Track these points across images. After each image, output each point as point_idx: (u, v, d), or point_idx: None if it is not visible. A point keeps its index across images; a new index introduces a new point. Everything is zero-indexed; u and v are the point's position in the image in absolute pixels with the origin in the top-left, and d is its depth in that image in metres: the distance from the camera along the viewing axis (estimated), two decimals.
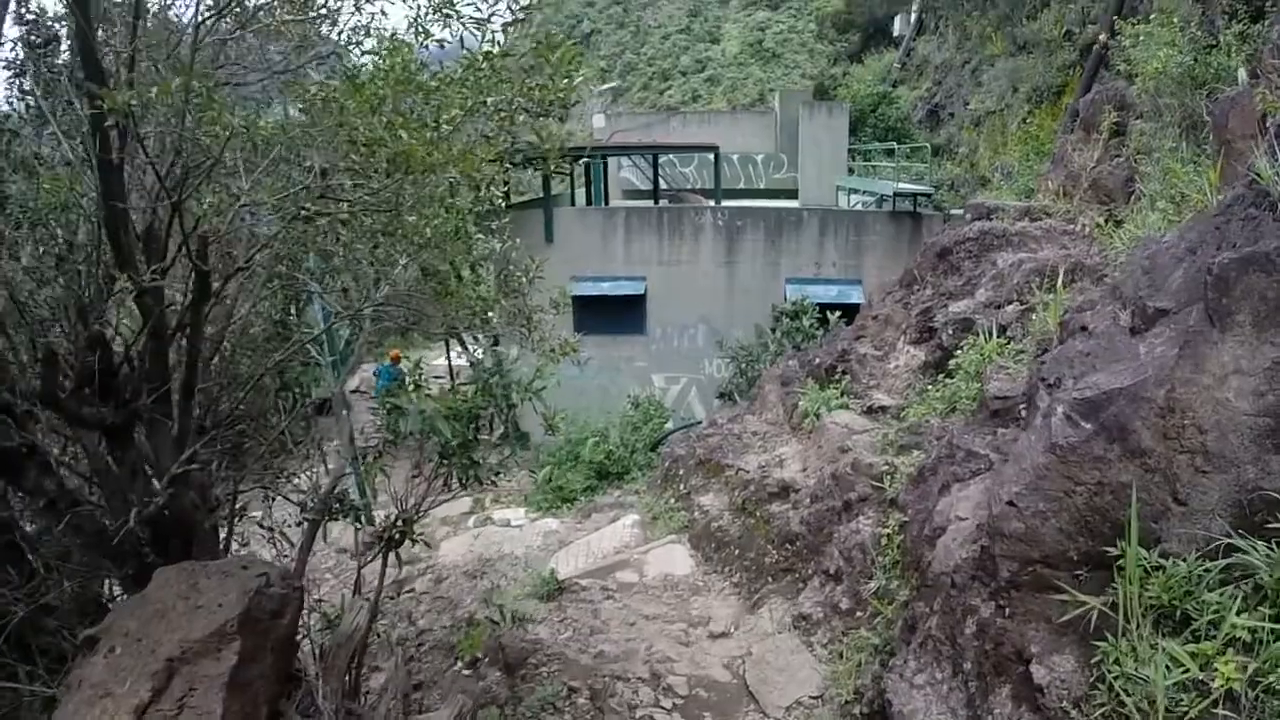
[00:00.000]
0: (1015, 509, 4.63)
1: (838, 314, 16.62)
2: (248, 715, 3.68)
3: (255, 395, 6.55)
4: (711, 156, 27.19)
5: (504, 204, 8.72)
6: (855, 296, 18.52)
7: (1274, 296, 4.08)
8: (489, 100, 4.99)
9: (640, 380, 19.22)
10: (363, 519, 6.27)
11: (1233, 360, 4.16)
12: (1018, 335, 8.87)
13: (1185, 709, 3.63)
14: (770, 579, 8.85)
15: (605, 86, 46.64)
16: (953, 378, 9.18)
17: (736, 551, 9.92)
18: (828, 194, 27.40)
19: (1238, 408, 4.12)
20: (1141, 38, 11.24)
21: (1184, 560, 4.09)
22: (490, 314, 6.71)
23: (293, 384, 7.05)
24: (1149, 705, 3.74)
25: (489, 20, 5.21)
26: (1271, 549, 3.82)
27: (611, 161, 30.09)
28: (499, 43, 5.34)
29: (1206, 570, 3.97)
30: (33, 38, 5.63)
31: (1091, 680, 4.19)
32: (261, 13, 5.02)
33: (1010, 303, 9.86)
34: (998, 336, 8.69)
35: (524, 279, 7.25)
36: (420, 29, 5.00)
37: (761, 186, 31.15)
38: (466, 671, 9.75)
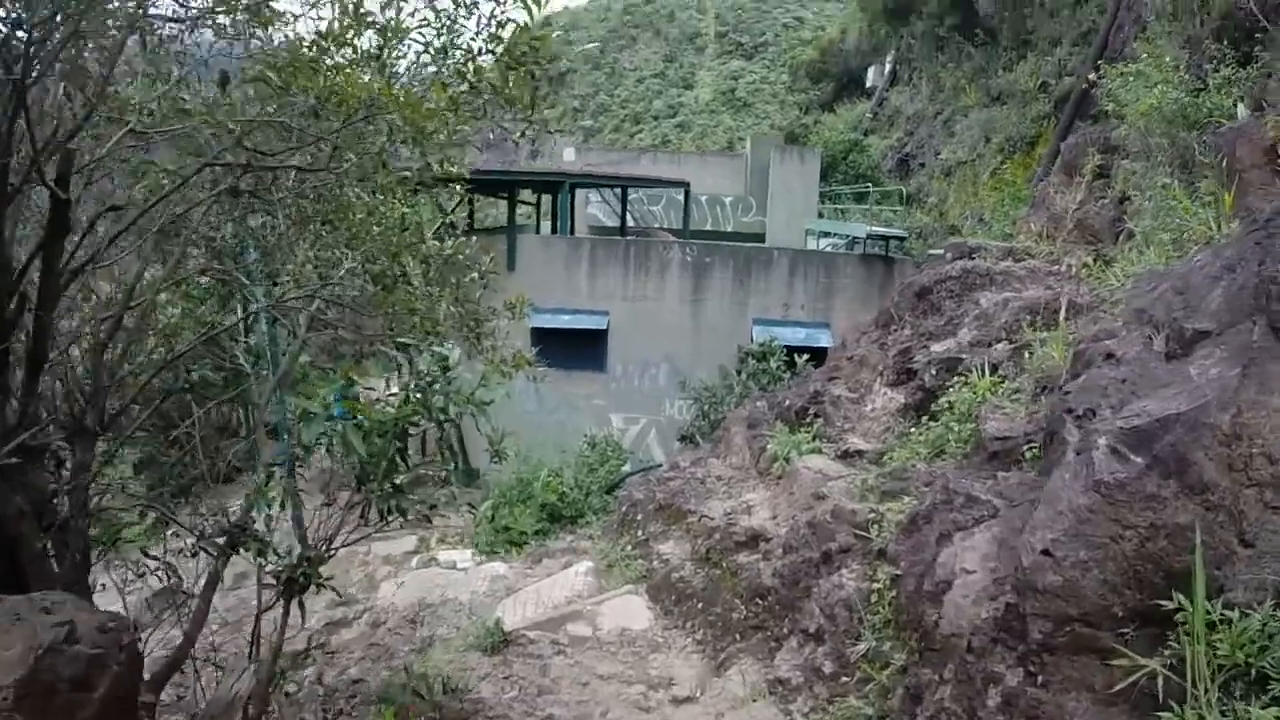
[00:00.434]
0: (1051, 559, 3.88)
1: (805, 357, 16.01)
2: None
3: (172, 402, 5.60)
4: (680, 196, 26.72)
5: (469, 221, 8.02)
6: (824, 340, 17.93)
7: None
8: (450, 42, 4.20)
9: (598, 419, 18.33)
10: (267, 555, 5.30)
11: None
12: (1010, 374, 8.26)
13: None
14: (739, 636, 8.00)
15: (576, 126, 46.67)
16: (937, 420, 8.55)
17: (700, 605, 9.05)
18: (797, 239, 26.96)
19: None
20: (1131, 78, 10.94)
21: (1254, 611, 3.42)
22: (438, 319, 5.85)
23: (203, 389, 6.08)
24: None
25: None
26: None
27: (579, 197, 29.49)
28: None
29: None
30: None
31: None
32: None
33: (999, 341, 9.28)
34: (990, 375, 8.04)
35: (475, 277, 6.41)
36: None
37: (729, 229, 30.72)
38: None
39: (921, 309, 11.63)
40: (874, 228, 20.67)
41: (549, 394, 18.51)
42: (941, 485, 6.23)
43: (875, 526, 6.84)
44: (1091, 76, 13.84)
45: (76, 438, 4.60)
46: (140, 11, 4.08)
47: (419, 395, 4.62)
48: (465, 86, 4.43)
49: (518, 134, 5.30)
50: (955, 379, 8.66)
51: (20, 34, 3.73)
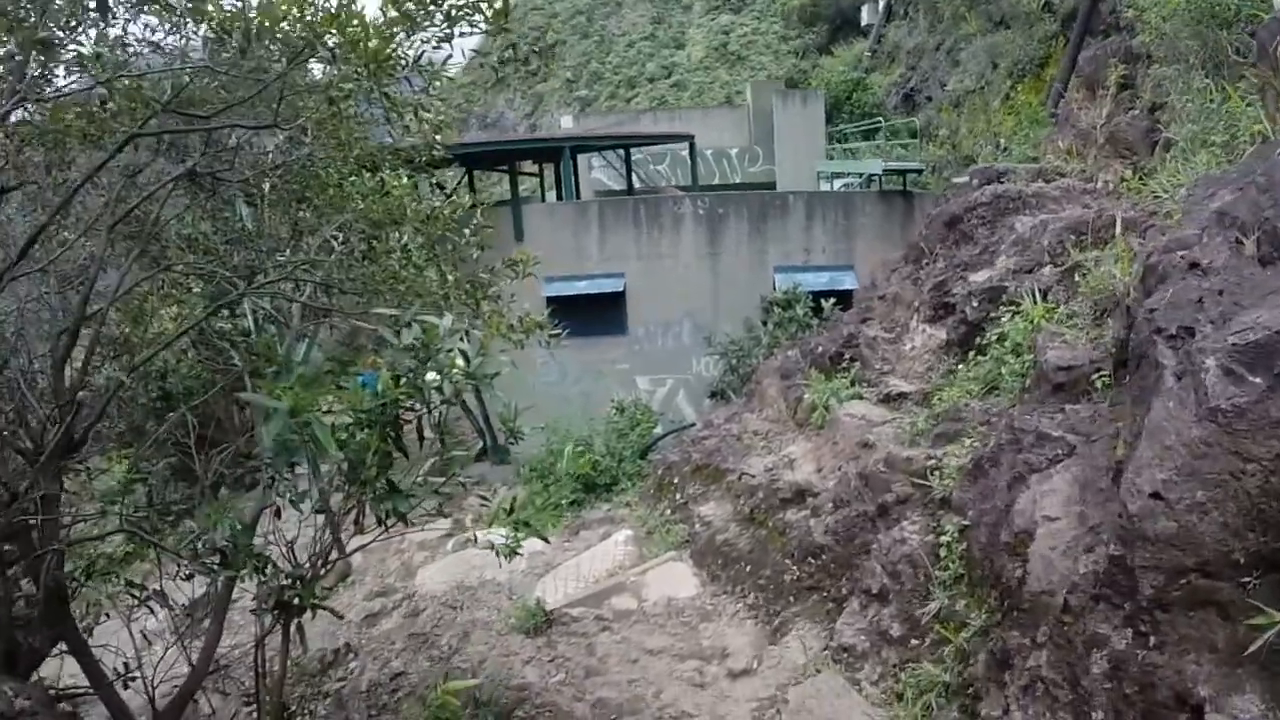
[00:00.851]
0: (1163, 503, 3.38)
1: (832, 301, 15.48)
2: None
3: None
4: (685, 153, 26.03)
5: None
6: (848, 282, 17.33)
7: None
8: None
9: (624, 384, 17.88)
10: (267, 571, 4.80)
11: None
12: (1062, 299, 7.71)
13: None
14: (793, 599, 7.56)
15: (572, 97, 46.24)
16: (986, 354, 8.04)
17: (748, 568, 8.62)
18: (808, 184, 26.23)
19: None
20: None
21: None
22: (428, 286, 5.36)
23: (185, 398, 5.63)
24: None
25: None
26: None
27: (582, 164, 28.85)
28: None
29: None
30: None
31: None
32: None
33: (1043, 265, 8.73)
34: (1042, 301, 7.50)
35: (469, 239, 5.89)
36: None
37: (737, 181, 30.00)
38: None
39: (953, 239, 11.12)
40: (889, 163, 19.98)
41: (571, 363, 18.08)
42: (1005, 424, 5.73)
43: (935, 474, 6.35)
44: None
45: (39, 464, 4.17)
46: None
47: (409, 374, 4.07)
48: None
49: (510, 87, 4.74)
50: (1001, 309, 8.17)
51: None
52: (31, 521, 4.28)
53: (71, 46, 3.87)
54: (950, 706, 5.10)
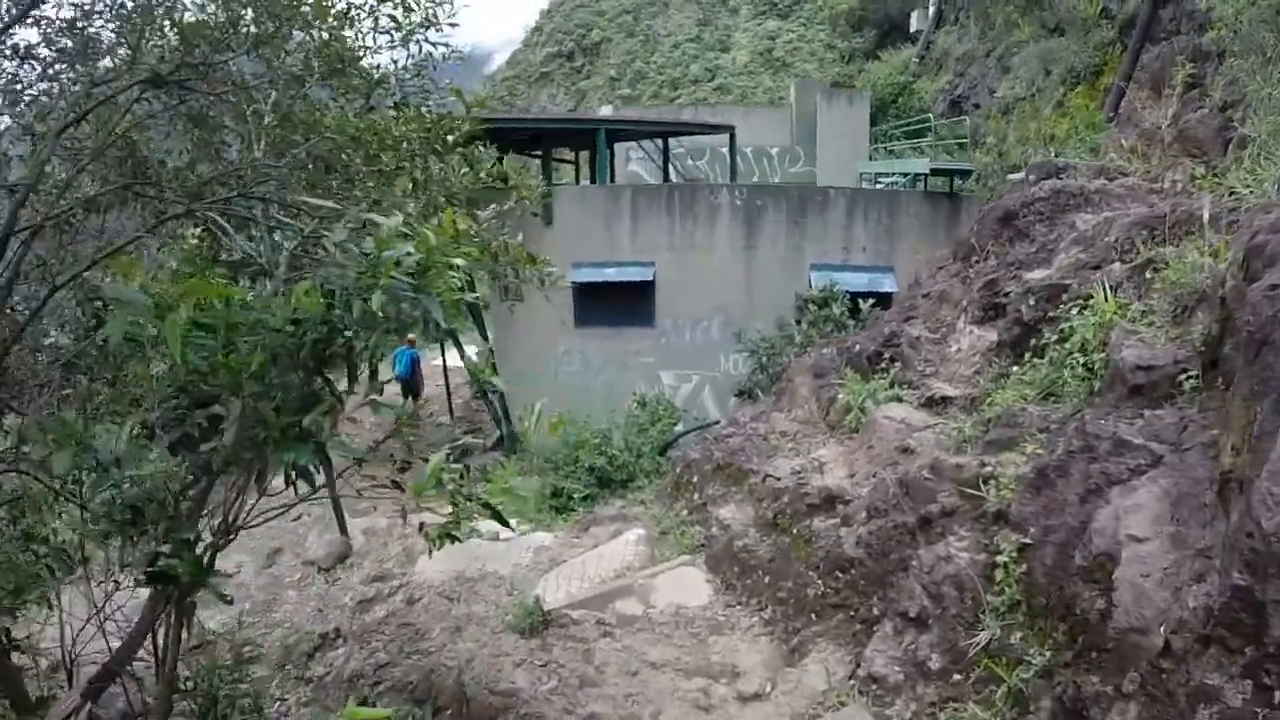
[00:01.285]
0: None
1: (870, 303, 14.68)
2: None
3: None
4: (725, 150, 25.35)
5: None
6: (888, 285, 16.51)
7: None
8: None
9: (648, 377, 17.16)
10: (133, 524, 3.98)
11: None
12: (1133, 297, 6.91)
13: None
14: (815, 617, 6.78)
15: (614, 95, 46.21)
16: (1043, 355, 7.25)
17: (767, 579, 7.85)
18: (849, 185, 25.46)
19: None
20: None
21: None
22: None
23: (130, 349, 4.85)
24: None
25: None
26: None
27: (619, 156, 28.20)
28: None
29: None
30: None
31: None
32: None
33: (1110, 262, 7.92)
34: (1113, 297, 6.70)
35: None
36: None
37: (777, 181, 29.23)
38: None
39: (1007, 236, 10.38)
40: (936, 164, 19.16)
41: (594, 354, 17.43)
42: (1075, 429, 4.94)
43: (989, 484, 5.55)
44: None
45: None
46: None
47: (343, 290, 3.24)
48: None
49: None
50: (1061, 308, 7.38)
51: None
52: None
53: None
54: None
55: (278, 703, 9.81)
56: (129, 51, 4.87)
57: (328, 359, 3.47)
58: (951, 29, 33.95)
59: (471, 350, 20.32)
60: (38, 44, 5.35)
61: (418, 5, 5.05)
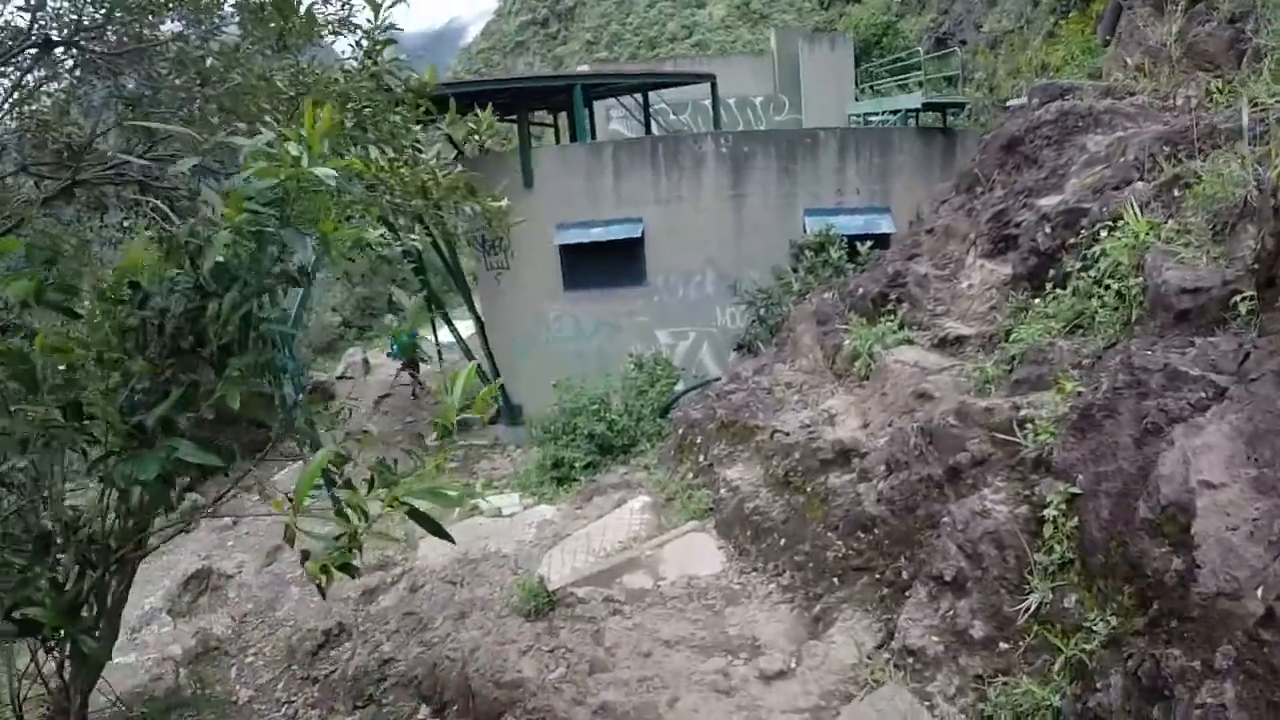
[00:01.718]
0: None
1: (868, 245, 14.11)
2: None
3: None
4: (707, 102, 24.64)
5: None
6: (885, 225, 15.90)
7: None
8: None
9: (643, 337, 16.58)
10: None
11: None
12: (1162, 217, 6.36)
13: None
14: (838, 581, 6.29)
15: (591, 59, 45.65)
16: (1065, 287, 6.72)
17: (782, 542, 7.37)
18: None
19: None
20: None
21: None
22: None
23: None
24: None
25: None
26: None
27: (599, 115, 27.39)
28: None
29: None
30: None
31: None
32: None
33: (1129, 183, 7.37)
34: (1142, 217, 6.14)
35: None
36: None
37: (762, 129, 28.50)
38: None
39: (1013, 164, 9.84)
40: (928, 98, 18.48)
41: (586, 317, 16.87)
42: (1120, 363, 4.41)
43: (1025, 427, 5.02)
44: None
45: None
46: None
47: (190, 240, 2.55)
48: None
49: None
50: (1083, 234, 6.85)
51: None
52: None
53: None
54: None
55: (285, 705, 9.44)
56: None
57: (201, 336, 2.77)
58: None
59: (463, 325, 19.81)
60: None
61: None
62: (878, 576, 5.88)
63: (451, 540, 2.98)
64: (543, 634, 7.08)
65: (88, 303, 2.56)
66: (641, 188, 16.55)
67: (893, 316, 8.88)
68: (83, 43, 4.13)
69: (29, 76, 4.33)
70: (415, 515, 2.78)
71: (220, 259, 2.43)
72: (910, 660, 4.87)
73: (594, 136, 24.27)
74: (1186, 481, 3.35)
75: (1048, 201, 8.31)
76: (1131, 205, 6.26)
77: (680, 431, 11.31)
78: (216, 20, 4.25)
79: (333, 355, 28.72)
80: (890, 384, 7.63)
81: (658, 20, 49.19)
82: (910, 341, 8.36)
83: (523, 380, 17.01)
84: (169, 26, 4.71)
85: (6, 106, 4.44)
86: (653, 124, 26.49)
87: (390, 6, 4.73)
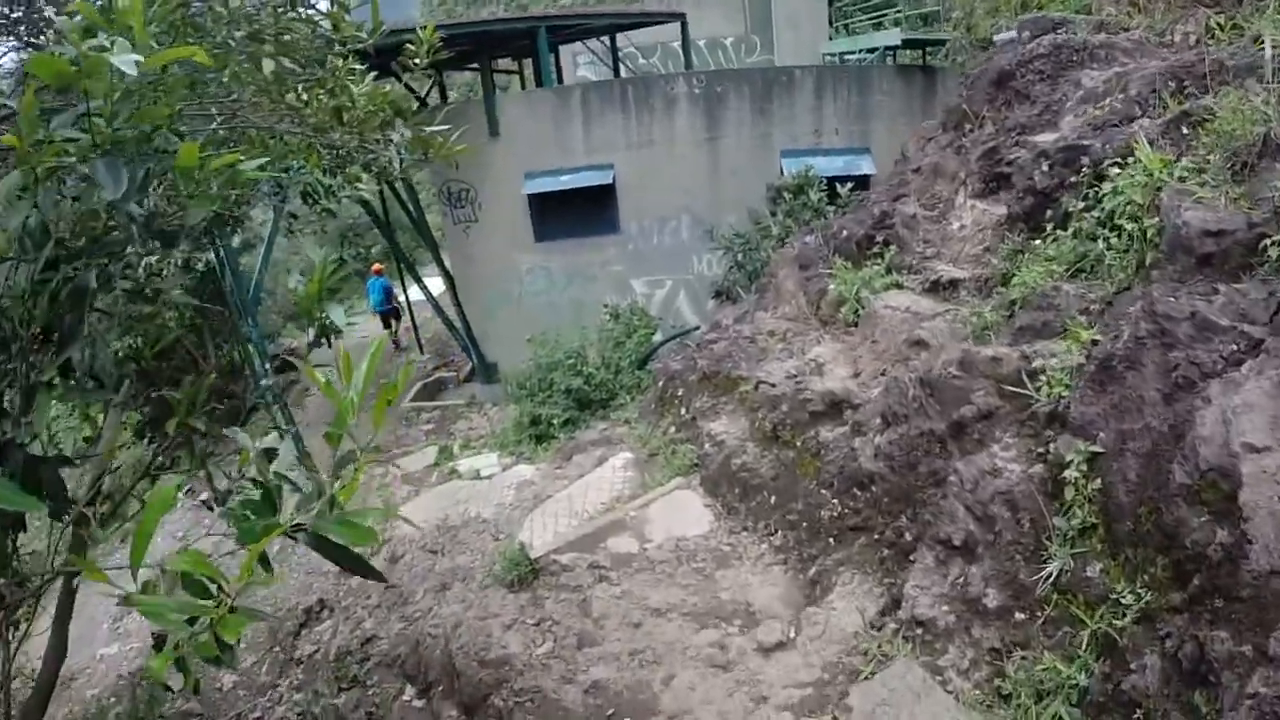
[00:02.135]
0: None
1: (849, 187, 13.71)
2: None
3: None
4: (677, 45, 23.89)
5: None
6: (865, 167, 15.46)
7: None
8: None
9: (618, 287, 16.12)
10: None
11: None
12: (1171, 155, 6.01)
13: None
14: (834, 541, 6.01)
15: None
16: (1066, 228, 6.39)
17: (773, 499, 7.07)
18: None
19: None
20: None
21: None
22: None
23: None
24: None
25: None
26: None
27: (566, 62, 26.60)
28: None
29: None
30: None
31: None
32: None
33: (1134, 119, 7.01)
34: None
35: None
36: None
37: (735, 69, 27.84)
38: (419, 703, 7.14)
39: (1004, 100, 9.47)
40: (907, 34, 17.94)
41: (559, 268, 16.39)
42: (1142, 310, 4.08)
43: (1037, 378, 4.70)
44: None
45: None
46: None
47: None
48: None
49: None
50: (1083, 172, 6.51)
51: None
52: None
53: None
54: None
55: (270, 690, 9.16)
56: None
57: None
58: None
59: (433, 283, 19.25)
60: None
61: None
62: (877, 537, 5.59)
63: (381, 579, 2.52)
64: (527, 606, 6.77)
65: None
66: (612, 133, 15.97)
67: (880, 260, 8.53)
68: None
69: None
70: (322, 547, 2.27)
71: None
72: (919, 631, 4.58)
73: (560, 77, 23.52)
74: (1228, 444, 3.04)
75: (1044, 138, 7.95)
76: (1141, 141, 5.90)
77: (660, 384, 10.97)
78: None
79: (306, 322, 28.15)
80: (880, 331, 7.30)
81: None
82: (899, 285, 8.03)
83: (496, 336, 16.57)
84: None
85: None
86: (621, 69, 25.73)
87: None
